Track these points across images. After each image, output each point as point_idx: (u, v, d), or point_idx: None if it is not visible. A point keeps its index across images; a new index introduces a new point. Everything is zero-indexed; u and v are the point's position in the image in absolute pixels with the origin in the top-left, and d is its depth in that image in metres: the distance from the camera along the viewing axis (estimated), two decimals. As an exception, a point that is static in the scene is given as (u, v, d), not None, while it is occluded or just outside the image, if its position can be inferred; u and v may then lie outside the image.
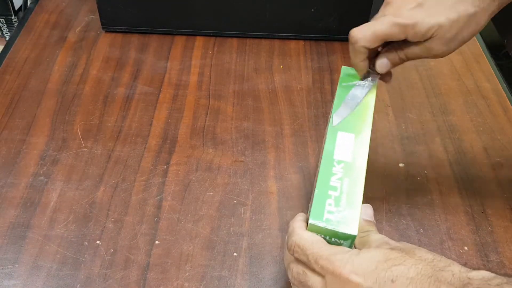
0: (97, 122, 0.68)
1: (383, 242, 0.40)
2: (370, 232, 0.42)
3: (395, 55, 0.48)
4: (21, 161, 0.62)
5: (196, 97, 0.73)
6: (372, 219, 0.44)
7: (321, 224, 0.39)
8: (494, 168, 0.64)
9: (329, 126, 0.46)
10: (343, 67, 0.50)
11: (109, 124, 0.68)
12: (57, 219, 0.56)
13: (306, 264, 0.40)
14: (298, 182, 0.61)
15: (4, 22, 1.03)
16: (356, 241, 0.41)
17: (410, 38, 0.46)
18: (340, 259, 0.37)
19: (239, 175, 0.62)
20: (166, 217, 0.57)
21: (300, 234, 0.40)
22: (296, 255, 0.40)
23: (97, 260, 0.53)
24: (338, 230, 0.39)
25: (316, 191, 0.41)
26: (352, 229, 0.39)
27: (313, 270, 0.39)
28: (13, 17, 1.02)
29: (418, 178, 0.63)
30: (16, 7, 1.02)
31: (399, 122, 0.69)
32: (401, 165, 0.64)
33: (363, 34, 0.46)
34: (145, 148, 0.65)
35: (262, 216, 0.58)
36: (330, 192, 0.41)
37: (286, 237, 0.42)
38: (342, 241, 0.40)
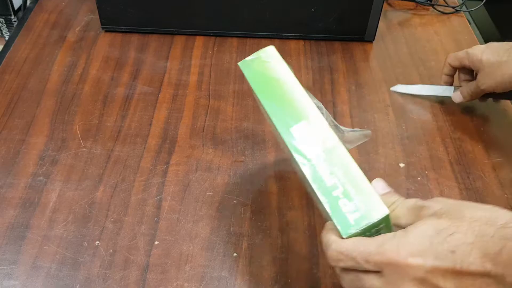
0: (97, 122, 0.68)
1: (419, 207, 0.38)
2: (396, 202, 0.40)
3: (467, 88, 0.68)
4: (20, 161, 0.62)
5: (196, 97, 0.72)
6: (389, 188, 0.42)
7: (354, 230, 0.37)
8: (494, 168, 0.64)
9: (278, 130, 0.42)
10: (239, 63, 0.46)
11: (108, 124, 0.68)
12: (57, 220, 0.56)
13: (356, 268, 0.37)
14: (298, 182, 0.61)
15: (4, 21, 1.03)
16: (392, 218, 0.39)
17: (467, 64, 0.67)
18: (390, 247, 0.35)
19: (239, 175, 0.62)
20: (166, 218, 0.57)
21: (338, 241, 0.38)
22: (341, 264, 0.38)
23: (96, 260, 0.53)
24: (371, 222, 0.37)
25: (324, 201, 0.38)
26: (381, 210, 0.37)
27: (366, 271, 0.37)
28: (12, 17, 1.02)
29: (419, 178, 0.62)
30: (16, 7, 1.02)
31: (399, 122, 0.69)
32: (401, 165, 0.63)
33: (452, 54, 0.69)
34: (144, 148, 0.65)
35: (262, 216, 0.58)
36: (335, 193, 0.38)
37: (325, 251, 0.39)
38: (381, 226, 0.37)
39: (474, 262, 0.33)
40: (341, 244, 0.37)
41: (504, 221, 0.34)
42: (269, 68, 0.45)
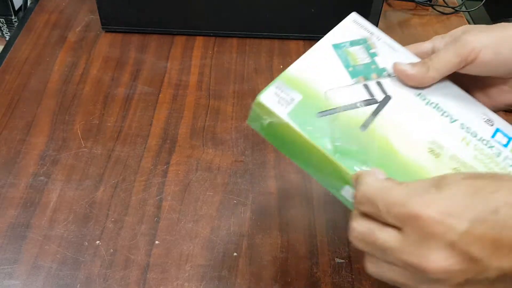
0: (97, 122, 0.68)
1: (453, 173, 0.32)
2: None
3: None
4: (21, 161, 0.62)
5: (196, 97, 0.73)
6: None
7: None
8: (494, 168, 0.64)
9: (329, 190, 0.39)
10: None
11: (109, 124, 0.68)
12: (57, 219, 0.56)
13: (374, 218, 0.32)
14: (298, 182, 0.61)
15: (4, 22, 1.03)
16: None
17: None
18: (420, 200, 0.30)
19: (239, 175, 0.62)
20: (166, 217, 0.57)
21: (370, 183, 0.33)
22: (362, 207, 0.33)
23: (97, 260, 0.53)
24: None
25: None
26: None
27: (384, 224, 0.32)
28: (13, 17, 1.02)
29: (418, 178, 0.62)
30: (16, 7, 1.02)
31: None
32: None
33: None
34: (145, 148, 0.65)
35: (262, 216, 0.58)
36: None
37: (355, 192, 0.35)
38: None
39: None
40: (370, 186, 0.33)
41: None
42: (277, 130, 0.39)
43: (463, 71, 0.43)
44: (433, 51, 0.45)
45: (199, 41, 0.83)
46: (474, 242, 0.28)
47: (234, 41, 0.83)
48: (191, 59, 0.79)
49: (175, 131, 0.67)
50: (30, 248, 0.54)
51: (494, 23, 0.45)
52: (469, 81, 0.45)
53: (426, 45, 0.46)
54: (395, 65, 0.44)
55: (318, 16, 0.80)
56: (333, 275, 0.53)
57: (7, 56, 0.78)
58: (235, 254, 0.54)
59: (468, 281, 0.29)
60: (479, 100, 0.45)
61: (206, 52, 0.81)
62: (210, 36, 0.84)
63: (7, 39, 1.00)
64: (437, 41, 0.45)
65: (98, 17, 0.82)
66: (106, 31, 0.84)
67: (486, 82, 0.45)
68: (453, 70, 0.42)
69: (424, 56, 0.44)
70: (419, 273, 0.30)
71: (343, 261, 0.54)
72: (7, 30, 1.04)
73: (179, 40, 0.83)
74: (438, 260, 0.29)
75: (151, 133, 0.67)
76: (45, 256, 0.53)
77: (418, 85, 0.44)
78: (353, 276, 0.53)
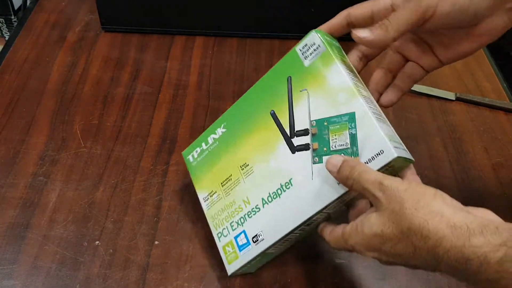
0: (97, 122, 0.68)
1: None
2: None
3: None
4: (20, 161, 0.62)
5: (195, 97, 0.72)
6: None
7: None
8: (494, 168, 0.64)
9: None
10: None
11: (108, 124, 0.68)
12: (57, 219, 0.56)
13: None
14: (298, 182, 0.61)
15: (4, 22, 1.03)
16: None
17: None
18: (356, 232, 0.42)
19: (239, 175, 0.62)
20: (166, 217, 0.57)
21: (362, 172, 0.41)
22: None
23: (96, 260, 0.53)
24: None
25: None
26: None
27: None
28: (12, 17, 1.02)
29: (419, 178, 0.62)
30: (16, 7, 1.02)
31: (399, 122, 0.69)
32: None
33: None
34: (144, 148, 0.65)
35: (262, 216, 0.58)
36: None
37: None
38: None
39: None
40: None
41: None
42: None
43: (425, 28, 0.44)
44: (392, 7, 0.45)
45: (199, 41, 0.82)
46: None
47: (234, 41, 0.83)
48: (191, 59, 0.79)
49: (175, 131, 0.67)
50: (29, 248, 0.54)
51: None
52: (428, 38, 0.47)
53: (385, 1, 0.46)
54: (353, 33, 0.44)
55: (318, 16, 0.80)
56: (333, 275, 0.53)
57: (6, 56, 0.78)
58: (235, 254, 0.54)
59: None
60: (441, 53, 0.48)
61: (206, 52, 0.81)
62: (210, 36, 0.83)
63: (6, 39, 1.00)
64: None
65: (98, 17, 0.82)
66: (106, 31, 0.83)
67: (446, 36, 0.47)
68: (413, 28, 0.44)
69: (384, 12, 0.45)
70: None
71: (343, 261, 0.54)
72: (7, 30, 1.04)
73: (179, 40, 0.82)
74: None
75: (151, 133, 0.67)
76: (45, 257, 0.53)
77: (381, 48, 0.46)
78: (352, 277, 0.53)
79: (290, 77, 0.48)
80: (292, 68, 0.48)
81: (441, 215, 0.36)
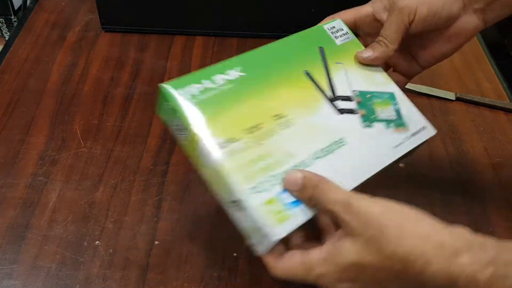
0: (97, 122, 0.68)
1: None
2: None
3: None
4: (20, 161, 0.62)
5: (195, 97, 0.72)
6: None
7: None
8: (494, 168, 0.64)
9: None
10: None
11: (108, 124, 0.68)
12: (57, 219, 0.56)
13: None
14: (298, 182, 0.61)
15: (4, 21, 1.03)
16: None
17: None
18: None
19: (239, 175, 0.62)
20: (166, 218, 0.57)
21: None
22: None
23: (96, 260, 0.53)
24: None
25: None
26: None
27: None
28: (12, 17, 1.02)
29: (419, 178, 0.62)
30: (16, 7, 1.02)
31: (399, 122, 0.69)
32: (401, 165, 0.63)
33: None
34: (144, 148, 0.65)
35: (262, 216, 0.58)
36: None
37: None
38: None
39: None
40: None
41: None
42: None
43: (409, 32, 0.49)
44: (373, 15, 0.51)
45: (199, 41, 0.82)
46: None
47: (234, 41, 0.83)
48: (191, 59, 0.79)
49: (175, 131, 0.67)
50: (29, 248, 0.54)
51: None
52: (409, 41, 0.51)
53: (366, 9, 0.52)
54: (357, 55, 0.50)
55: (318, 16, 0.80)
56: (333, 275, 0.53)
57: (6, 56, 0.78)
58: (235, 254, 0.54)
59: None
60: (421, 56, 0.52)
61: (206, 52, 0.81)
62: (210, 36, 0.83)
63: (6, 39, 1.00)
64: (375, 4, 0.51)
65: (98, 16, 0.82)
66: (106, 31, 0.83)
67: (425, 38, 0.51)
68: (403, 35, 0.49)
69: (366, 19, 0.52)
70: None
71: (343, 261, 0.54)
72: (7, 29, 1.04)
73: (179, 40, 0.82)
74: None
75: (151, 133, 0.67)
76: (45, 257, 0.53)
77: (386, 60, 0.51)
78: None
79: (323, 48, 0.50)
80: (322, 42, 0.51)
81: (427, 237, 0.35)
